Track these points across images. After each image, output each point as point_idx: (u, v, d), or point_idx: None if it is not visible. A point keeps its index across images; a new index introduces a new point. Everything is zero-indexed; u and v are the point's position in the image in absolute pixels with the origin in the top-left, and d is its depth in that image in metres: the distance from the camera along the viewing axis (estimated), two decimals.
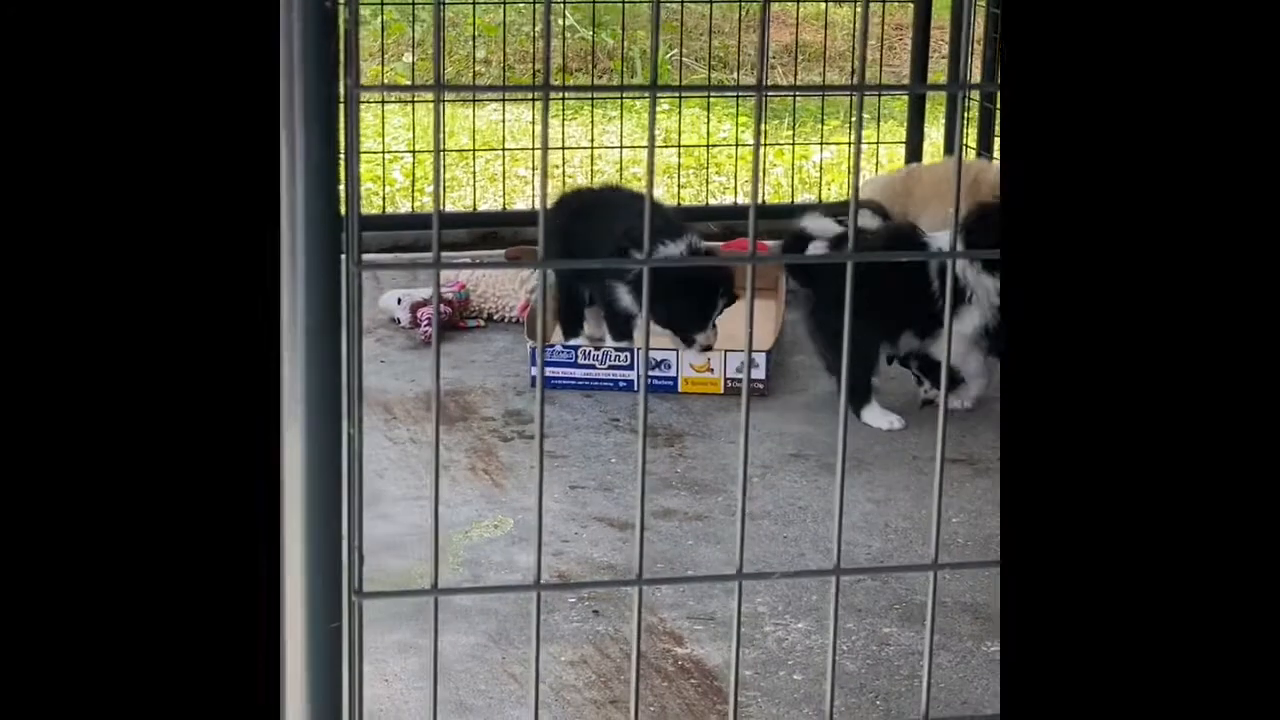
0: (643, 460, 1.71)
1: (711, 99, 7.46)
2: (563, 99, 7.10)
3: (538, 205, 6.86)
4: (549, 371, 5.03)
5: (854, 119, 1.61)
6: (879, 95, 7.17)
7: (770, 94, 1.80)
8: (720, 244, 6.20)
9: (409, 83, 8.19)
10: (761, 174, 7.00)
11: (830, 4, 9.08)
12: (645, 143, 6.75)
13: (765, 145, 7.03)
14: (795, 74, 7.98)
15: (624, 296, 5.02)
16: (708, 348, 5.00)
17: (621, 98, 7.37)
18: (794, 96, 7.44)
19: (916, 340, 4.85)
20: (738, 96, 7.40)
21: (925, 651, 1.87)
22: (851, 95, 7.28)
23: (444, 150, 6.83)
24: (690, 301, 4.91)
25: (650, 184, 1.62)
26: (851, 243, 1.66)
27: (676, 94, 7.11)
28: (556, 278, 5.28)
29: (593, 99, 7.25)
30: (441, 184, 1.57)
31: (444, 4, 7.06)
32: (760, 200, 6.91)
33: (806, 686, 3.49)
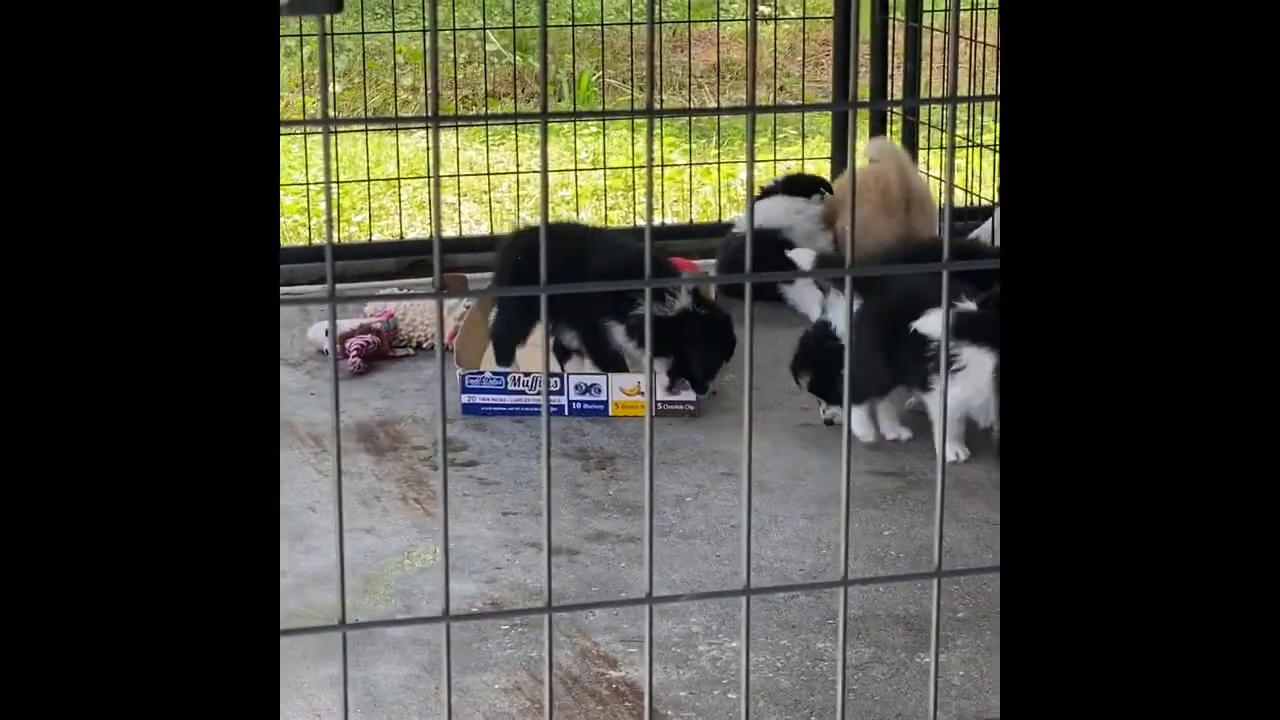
0: (548, 486, 1.71)
1: (635, 120, 7.47)
2: (455, 127, 7.11)
3: (466, 233, 6.82)
4: (480, 399, 5.03)
5: (747, 139, 1.61)
6: (811, 113, 7.17)
7: (661, 116, 1.81)
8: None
9: (333, 113, 8.18)
10: (659, 195, 7.02)
11: (757, 22, 9.11)
12: (574, 167, 6.76)
13: (692, 165, 7.03)
14: (719, 93, 7.99)
15: (618, 336, 5.02)
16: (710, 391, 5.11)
17: (517, 122, 7.36)
18: (718, 117, 7.45)
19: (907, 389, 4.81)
20: (632, 118, 7.39)
21: (839, 666, 1.87)
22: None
23: (370, 180, 6.80)
24: (700, 353, 4.99)
25: (544, 213, 1.62)
26: (749, 263, 1.67)
27: (572, 119, 7.12)
28: (499, 310, 5.25)
29: (487, 124, 7.23)
30: (334, 216, 1.56)
31: (363, 34, 7.05)
32: (690, 220, 6.91)
33: (742, 705, 3.48)
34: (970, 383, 4.55)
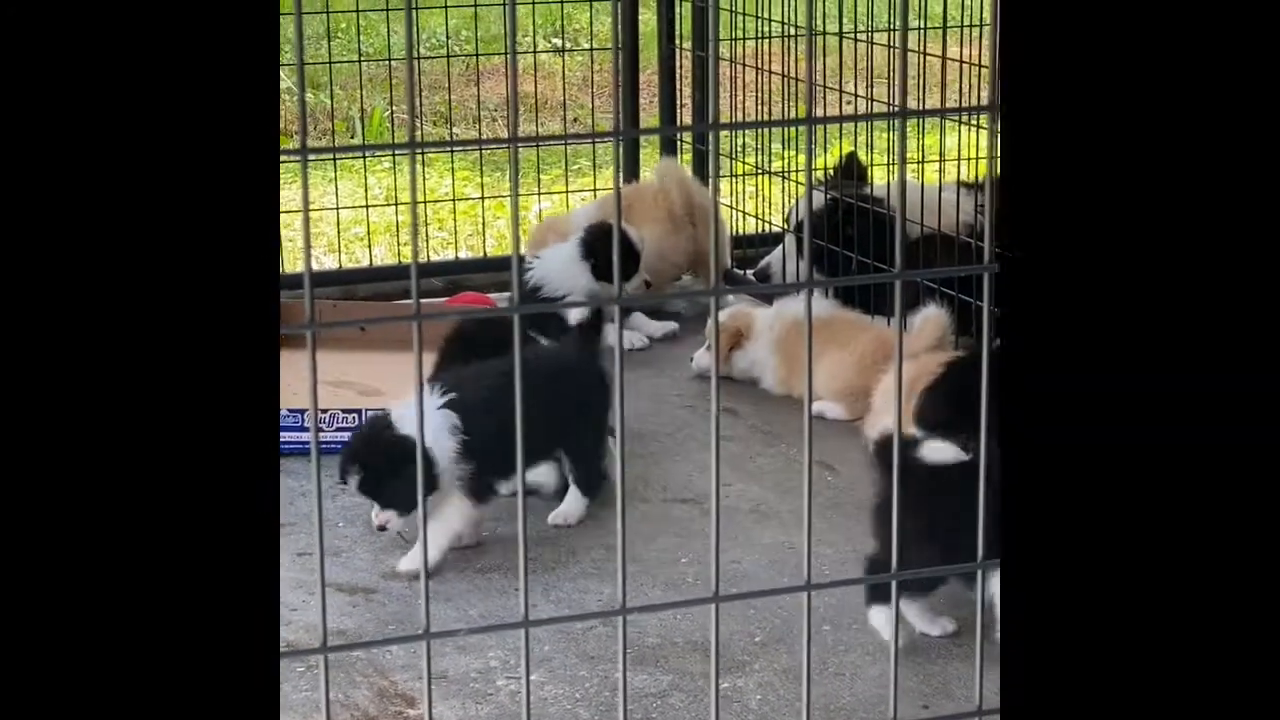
0: (319, 521, 1.69)
1: (428, 154, 7.45)
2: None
3: None
4: None
5: (510, 171, 1.62)
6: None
7: (427, 150, 1.81)
8: (444, 299, 6.21)
9: None
10: (452, 229, 7.01)
11: (548, 54, 9.14)
12: (366, 203, 6.71)
13: (485, 198, 7.01)
14: (510, 125, 8.00)
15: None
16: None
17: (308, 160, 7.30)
18: (511, 148, 7.45)
19: None
20: (394, 153, 7.37)
21: (620, 693, 1.88)
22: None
23: None
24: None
25: (308, 251, 1.60)
26: (517, 296, 1.67)
27: (331, 155, 7.07)
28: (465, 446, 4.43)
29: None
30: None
31: None
32: (484, 253, 6.89)
33: None
34: None
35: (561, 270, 5.62)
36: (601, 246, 5.61)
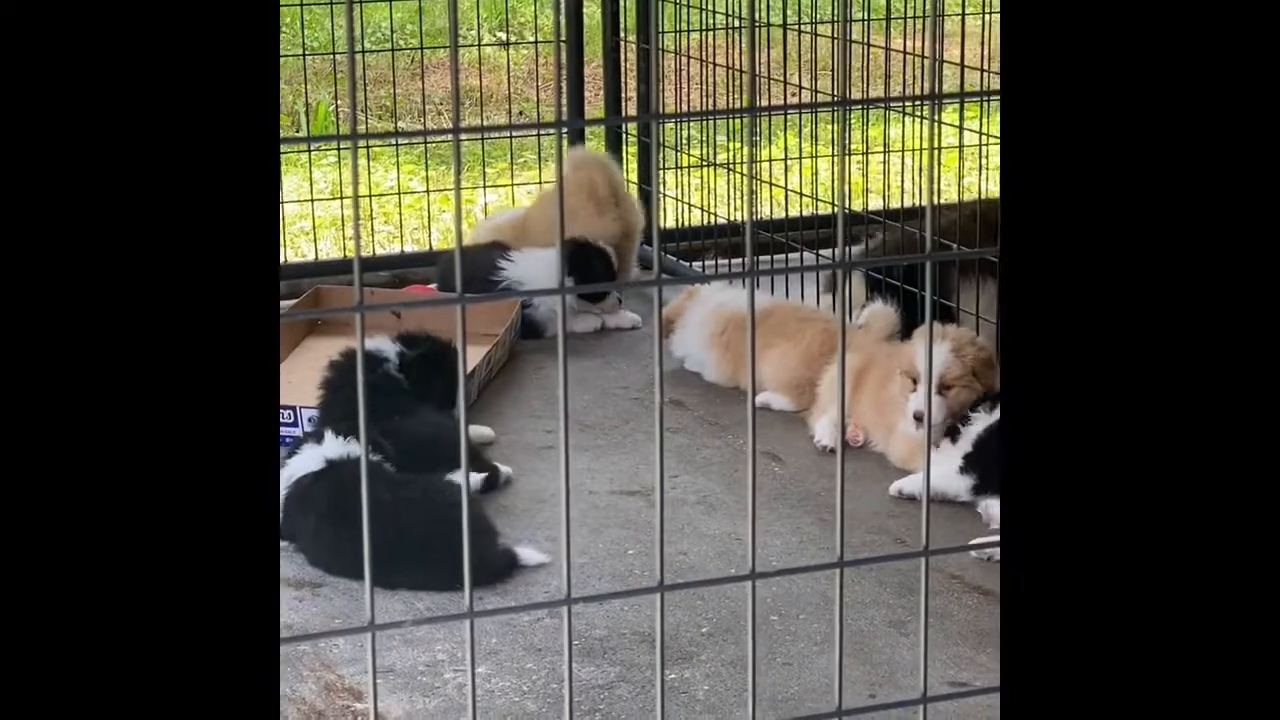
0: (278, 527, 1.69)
1: (373, 148, 7.44)
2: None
3: None
4: None
5: (454, 164, 1.62)
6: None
7: (371, 143, 1.81)
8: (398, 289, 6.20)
9: None
10: (398, 223, 7.00)
11: (493, 48, 9.14)
12: (311, 197, 6.69)
13: (430, 191, 7.01)
14: (457, 119, 7.98)
15: None
16: None
17: None
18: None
19: None
20: (339, 146, 7.35)
21: (566, 684, 1.88)
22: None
23: None
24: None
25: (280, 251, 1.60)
26: (460, 286, 1.67)
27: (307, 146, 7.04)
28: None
29: None
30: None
31: None
32: (430, 247, 6.88)
33: None
34: None
35: (538, 277, 5.68)
36: (581, 260, 5.72)
